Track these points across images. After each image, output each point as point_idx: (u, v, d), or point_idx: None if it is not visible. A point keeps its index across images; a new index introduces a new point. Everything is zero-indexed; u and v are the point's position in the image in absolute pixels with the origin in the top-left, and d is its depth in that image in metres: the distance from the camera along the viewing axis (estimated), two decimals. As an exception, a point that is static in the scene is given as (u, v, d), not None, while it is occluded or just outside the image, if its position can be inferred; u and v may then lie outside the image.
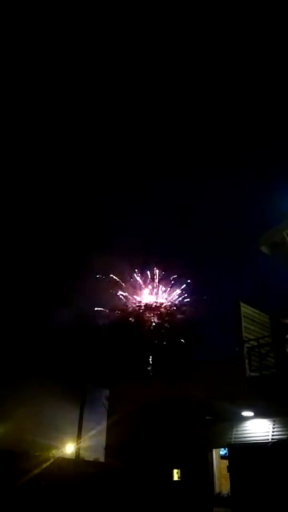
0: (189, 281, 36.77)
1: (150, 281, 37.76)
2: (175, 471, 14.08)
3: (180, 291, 37.03)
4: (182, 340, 32.46)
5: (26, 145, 48.24)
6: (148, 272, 37.93)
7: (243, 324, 11.74)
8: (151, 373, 28.09)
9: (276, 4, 42.45)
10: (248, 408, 12.39)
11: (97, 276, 36.04)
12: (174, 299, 36.66)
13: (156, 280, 37.83)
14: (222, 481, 13.36)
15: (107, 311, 34.22)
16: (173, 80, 56.13)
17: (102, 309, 34.69)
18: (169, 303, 36.07)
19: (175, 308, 35.68)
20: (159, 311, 34.49)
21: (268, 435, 11.91)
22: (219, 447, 13.58)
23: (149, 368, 29.48)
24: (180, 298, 36.70)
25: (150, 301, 35.54)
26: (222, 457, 13.86)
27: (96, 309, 34.71)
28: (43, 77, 49.17)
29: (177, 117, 58.40)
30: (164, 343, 31.52)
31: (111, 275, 36.87)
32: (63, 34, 47.31)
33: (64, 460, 20.60)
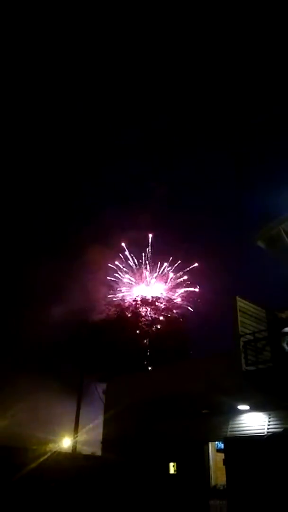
0: (185, 277, 36.94)
1: (146, 276, 37.86)
2: (171, 464, 14.13)
3: (177, 286, 37.16)
4: (179, 334, 32.53)
5: (23, 133, 47.99)
6: (145, 267, 38.04)
7: (239, 318, 11.77)
8: (147, 367, 28.17)
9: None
10: (244, 401, 12.45)
11: (93, 270, 36.10)
12: (170, 293, 36.78)
13: (153, 275, 37.94)
14: (218, 474, 13.43)
15: (103, 305, 34.27)
16: (172, 73, 55.81)
17: (98, 303, 34.75)
18: (166, 297, 36.16)
19: (172, 302, 35.78)
20: (156, 305, 34.54)
21: (264, 429, 11.98)
22: (215, 440, 13.65)
23: (145, 362, 29.56)
24: (177, 292, 36.84)
25: (146, 296, 35.60)
26: (218, 450, 13.94)
27: (92, 303, 34.80)
28: (41, 72, 48.82)
29: (177, 111, 58.18)
30: (161, 337, 31.56)
31: (107, 270, 36.94)
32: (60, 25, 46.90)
33: (61, 454, 20.68)
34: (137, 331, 31.31)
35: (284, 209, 12.59)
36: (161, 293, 36.58)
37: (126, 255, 38.42)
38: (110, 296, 35.91)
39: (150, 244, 38.74)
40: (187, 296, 36.66)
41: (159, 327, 32.67)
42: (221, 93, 55.79)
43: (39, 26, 46.13)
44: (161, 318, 33.67)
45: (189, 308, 35.73)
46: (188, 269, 37.63)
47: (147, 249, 38.26)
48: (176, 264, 38.14)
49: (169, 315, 34.18)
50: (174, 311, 34.93)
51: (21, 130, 47.89)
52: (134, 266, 38.23)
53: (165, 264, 38.25)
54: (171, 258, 38.43)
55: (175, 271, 37.80)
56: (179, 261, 38.15)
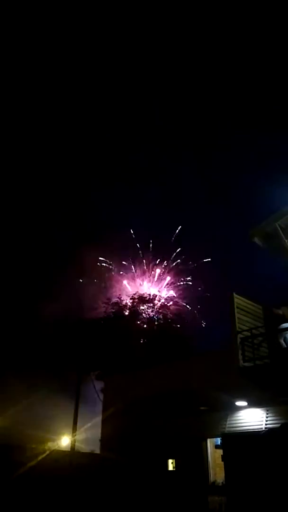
0: (188, 278, 37.01)
1: (144, 274, 37.87)
2: (170, 461, 14.20)
3: (174, 283, 37.19)
4: (176, 332, 32.59)
5: (21, 138, 47.89)
6: (143, 265, 38.04)
7: (237, 315, 11.76)
8: (145, 365, 28.19)
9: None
10: (242, 398, 12.51)
11: (90, 269, 36.08)
12: (168, 291, 36.82)
13: (150, 273, 37.95)
14: (216, 470, 13.50)
15: (101, 303, 34.25)
16: (172, 75, 55.72)
17: (96, 301, 34.74)
18: (164, 295, 36.20)
19: (169, 299, 35.82)
20: (153, 303, 34.57)
21: (262, 424, 12.05)
22: (213, 436, 13.70)
23: (143, 360, 29.59)
24: (175, 290, 36.88)
25: (144, 293, 35.60)
26: (217, 446, 13.99)
27: (90, 301, 34.77)
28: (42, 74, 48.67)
29: (175, 112, 58.14)
30: (159, 334, 31.60)
31: (105, 268, 36.91)
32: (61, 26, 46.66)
33: (60, 453, 20.70)
34: (135, 329, 31.34)
35: (280, 205, 12.57)
36: (159, 291, 36.59)
37: (124, 253, 38.40)
38: (107, 294, 35.89)
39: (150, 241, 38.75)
40: (184, 294, 36.69)
41: (156, 324, 32.72)
42: (220, 92, 55.79)
43: (39, 33, 45.92)
44: (159, 315, 33.72)
45: (188, 305, 35.75)
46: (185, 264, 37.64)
47: (144, 253, 38.24)
48: (172, 262, 38.13)
49: (166, 312, 34.22)
50: (172, 308, 34.96)
51: (20, 129, 47.81)
52: (131, 264, 38.20)
53: (163, 264, 38.21)
54: (168, 255, 38.45)
55: (173, 268, 37.79)
56: (176, 259, 38.15)
